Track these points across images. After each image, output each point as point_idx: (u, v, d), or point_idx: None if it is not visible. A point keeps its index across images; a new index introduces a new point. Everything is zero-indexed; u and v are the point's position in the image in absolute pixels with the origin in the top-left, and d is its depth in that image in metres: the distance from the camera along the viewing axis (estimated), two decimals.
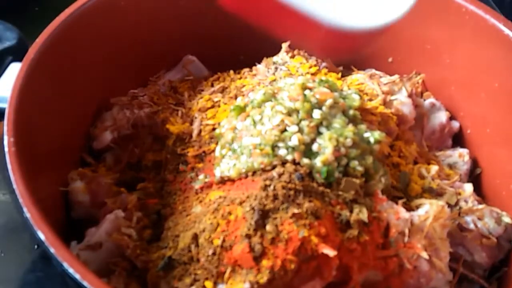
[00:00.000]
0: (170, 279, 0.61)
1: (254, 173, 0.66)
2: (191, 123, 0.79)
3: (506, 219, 0.74)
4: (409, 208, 0.69)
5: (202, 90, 0.85)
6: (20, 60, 0.69)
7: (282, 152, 0.65)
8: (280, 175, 0.63)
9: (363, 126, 0.70)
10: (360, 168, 0.66)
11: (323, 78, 0.77)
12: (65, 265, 0.52)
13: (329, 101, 0.69)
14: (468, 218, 0.73)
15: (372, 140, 0.69)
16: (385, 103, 0.79)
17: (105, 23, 0.81)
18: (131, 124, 0.77)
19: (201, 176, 0.72)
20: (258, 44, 0.89)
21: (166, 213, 0.70)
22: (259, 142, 0.66)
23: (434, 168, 0.77)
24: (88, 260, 0.64)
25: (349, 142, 0.66)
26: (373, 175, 0.68)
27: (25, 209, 0.55)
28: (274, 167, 0.65)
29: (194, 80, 0.89)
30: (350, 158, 0.66)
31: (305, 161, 0.65)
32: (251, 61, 0.88)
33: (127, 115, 0.78)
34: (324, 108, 0.68)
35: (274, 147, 0.65)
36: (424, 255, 0.64)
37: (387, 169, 0.71)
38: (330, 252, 0.58)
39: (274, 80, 0.81)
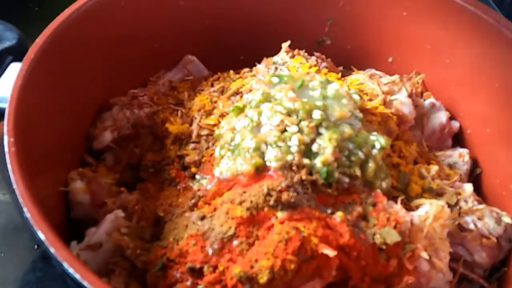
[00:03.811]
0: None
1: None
2: (191, 123, 0.79)
3: (506, 219, 0.74)
4: (409, 208, 0.69)
5: (202, 90, 0.85)
6: (20, 60, 0.69)
7: (282, 152, 0.65)
8: (280, 176, 0.63)
9: (369, 133, 0.70)
10: (359, 173, 0.66)
11: (323, 77, 0.77)
12: (65, 265, 0.52)
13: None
14: (468, 218, 0.73)
15: (378, 145, 0.69)
16: (385, 103, 0.79)
17: (105, 23, 0.81)
18: (131, 124, 0.77)
19: (200, 176, 0.72)
20: (258, 44, 0.89)
21: (165, 213, 0.70)
22: (258, 142, 0.66)
23: (434, 168, 0.77)
24: (88, 260, 0.64)
25: (350, 144, 0.67)
26: (374, 179, 0.68)
27: (25, 209, 0.55)
28: (274, 167, 0.65)
29: (194, 80, 0.89)
30: (351, 161, 0.66)
31: (305, 161, 0.65)
32: (251, 61, 0.88)
33: (127, 115, 0.78)
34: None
35: (273, 147, 0.65)
36: (424, 255, 0.64)
37: (388, 173, 0.71)
38: (330, 252, 0.58)
39: None
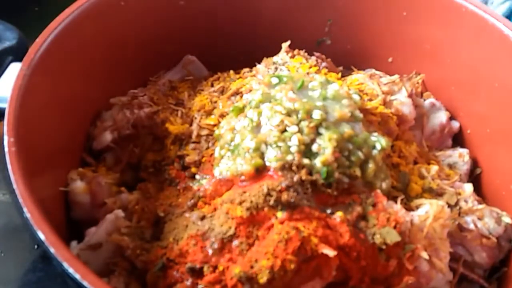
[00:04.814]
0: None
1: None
2: (191, 123, 0.79)
3: (506, 219, 0.74)
4: (409, 208, 0.69)
5: (202, 90, 0.85)
6: (20, 60, 0.69)
7: (282, 152, 0.65)
8: (280, 176, 0.63)
9: (370, 134, 0.70)
10: (359, 174, 0.66)
11: (323, 78, 0.77)
12: (65, 265, 0.52)
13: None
14: (468, 218, 0.73)
15: (378, 146, 0.69)
16: (385, 103, 0.79)
17: (105, 23, 0.81)
18: (131, 124, 0.77)
19: (200, 176, 0.72)
20: (258, 44, 0.89)
21: (165, 213, 0.70)
22: (258, 143, 0.66)
23: (434, 168, 0.77)
24: (88, 260, 0.64)
25: (349, 145, 0.67)
26: (374, 180, 0.68)
27: (25, 209, 0.55)
28: (274, 168, 0.65)
29: (194, 80, 0.89)
30: (351, 161, 0.66)
31: (305, 161, 0.65)
32: (251, 61, 0.88)
33: (127, 115, 0.78)
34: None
35: (273, 147, 0.65)
36: (424, 255, 0.64)
37: (388, 173, 0.71)
38: (330, 252, 0.58)
39: None
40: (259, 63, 0.86)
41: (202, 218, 0.65)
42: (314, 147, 0.66)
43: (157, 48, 0.89)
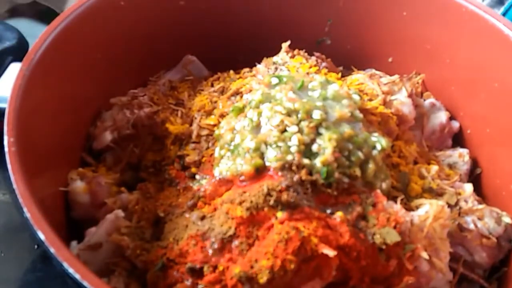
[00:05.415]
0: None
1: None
2: (191, 123, 0.79)
3: (506, 219, 0.74)
4: (409, 208, 0.69)
5: (202, 90, 0.85)
6: (20, 60, 0.69)
7: (282, 152, 0.65)
8: (280, 176, 0.63)
9: (370, 134, 0.70)
10: (359, 174, 0.66)
11: (323, 78, 0.77)
12: (65, 265, 0.52)
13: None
14: (468, 218, 0.73)
15: (379, 146, 0.69)
16: (385, 103, 0.79)
17: (105, 23, 0.81)
18: (131, 124, 0.77)
19: (200, 176, 0.72)
20: (258, 44, 0.89)
21: (165, 213, 0.70)
22: (258, 143, 0.66)
23: (434, 168, 0.77)
24: (88, 260, 0.64)
25: (349, 145, 0.67)
26: (374, 180, 0.68)
27: (25, 209, 0.55)
28: (274, 168, 0.65)
29: (194, 80, 0.89)
30: (351, 161, 0.66)
31: (305, 161, 0.65)
32: (251, 61, 0.88)
33: (127, 115, 0.78)
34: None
35: (273, 147, 0.65)
36: (424, 255, 0.64)
37: (388, 173, 0.71)
38: (330, 252, 0.58)
39: None
40: (259, 63, 0.86)
41: (202, 218, 0.65)
42: (314, 147, 0.66)
43: (157, 48, 0.89)
